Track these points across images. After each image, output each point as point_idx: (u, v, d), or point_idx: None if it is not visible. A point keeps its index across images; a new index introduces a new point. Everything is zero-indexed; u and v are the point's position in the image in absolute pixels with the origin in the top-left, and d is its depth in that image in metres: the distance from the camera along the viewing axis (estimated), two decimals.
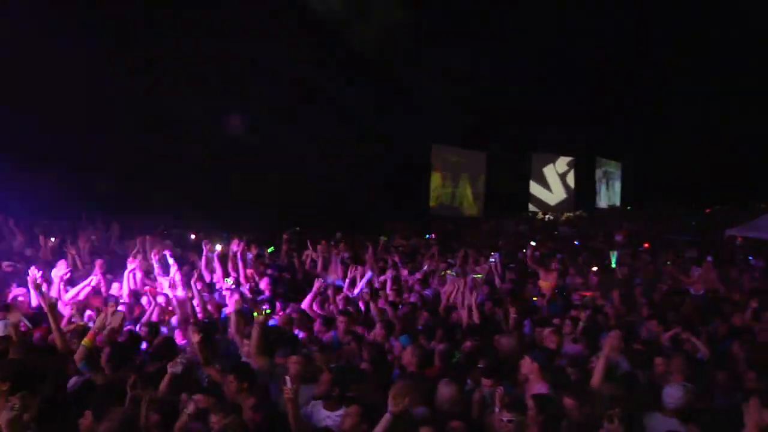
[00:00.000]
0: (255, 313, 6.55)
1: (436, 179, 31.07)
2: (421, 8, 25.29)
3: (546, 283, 10.62)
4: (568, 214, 38.14)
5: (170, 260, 9.04)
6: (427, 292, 10.59)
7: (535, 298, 10.00)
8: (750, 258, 19.76)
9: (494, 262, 11.65)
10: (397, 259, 12.63)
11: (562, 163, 38.87)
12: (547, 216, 36.52)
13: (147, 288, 8.93)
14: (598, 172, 42.57)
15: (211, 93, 20.08)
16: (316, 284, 8.72)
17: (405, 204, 26.92)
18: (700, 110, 40.16)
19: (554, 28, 30.20)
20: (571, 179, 39.50)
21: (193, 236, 16.27)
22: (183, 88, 18.92)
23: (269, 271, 11.06)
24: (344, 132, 24.05)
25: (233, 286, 9.28)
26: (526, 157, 36.54)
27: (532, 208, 36.90)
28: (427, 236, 22.00)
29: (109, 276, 9.40)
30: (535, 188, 37.35)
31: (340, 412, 5.03)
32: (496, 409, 4.86)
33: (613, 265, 14.23)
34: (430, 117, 27.30)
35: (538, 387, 5.50)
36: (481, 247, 16.88)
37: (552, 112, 32.26)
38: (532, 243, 16.71)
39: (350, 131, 24.26)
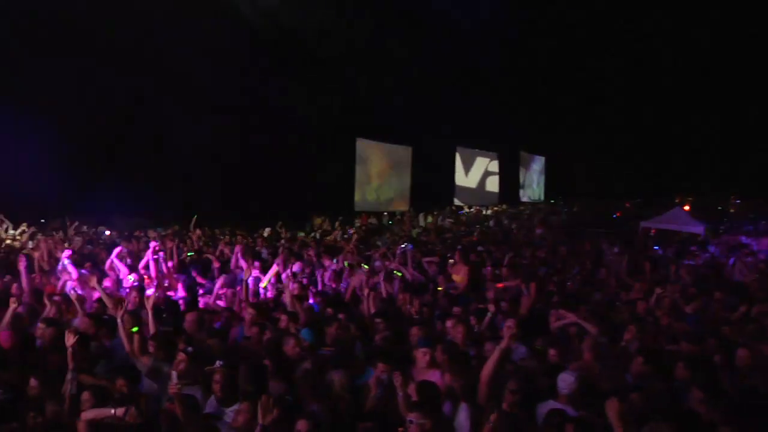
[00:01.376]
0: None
1: (361, 173, 31.00)
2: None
3: (458, 276, 10.68)
4: (493, 207, 38.74)
5: (66, 261, 8.82)
6: (343, 285, 10.55)
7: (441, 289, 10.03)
8: (656, 247, 20.39)
9: (402, 252, 11.71)
10: (311, 253, 12.54)
11: (487, 157, 39.42)
12: (471, 210, 36.97)
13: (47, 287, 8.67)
14: (523, 167, 43.41)
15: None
16: (219, 281, 8.58)
17: (330, 198, 26.76)
18: (621, 109, 41.47)
19: (480, 23, 30.53)
20: (495, 174, 40.12)
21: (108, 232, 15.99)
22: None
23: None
24: (266, 124, 23.72)
25: (135, 284, 9.07)
26: (452, 151, 36.81)
27: (457, 202, 37.22)
28: (349, 232, 22.02)
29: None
30: (460, 182, 37.71)
31: (235, 407, 4.99)
32: (399, 394, 4.93)
33: None
34: (355, 111, 27.26)
35: (429, 375, 5.53)
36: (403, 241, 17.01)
37: (477, 107, 32.63)
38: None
39: (273, 122, 23.93)
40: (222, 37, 21.00)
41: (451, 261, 12.05)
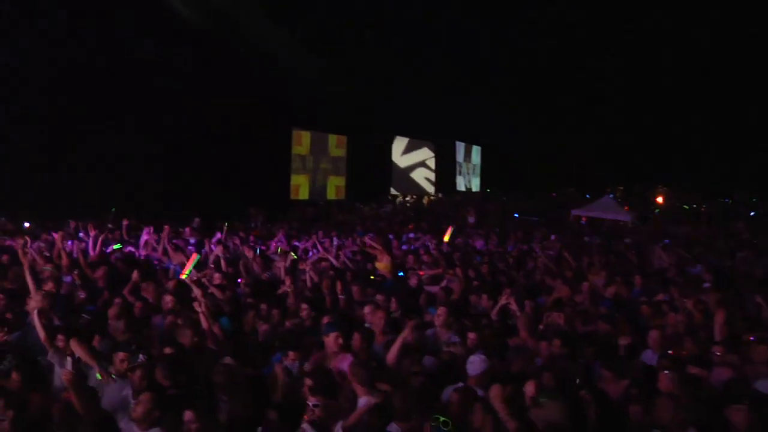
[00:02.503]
0: None
1: (297, 163, 30.77)
2: None
3: (382, 263, 10.75)
4: (429, 196, 39.03)
5: None
6: (267, 274, 10.48)
7: (372, 278, 10.08)
8: (586, 238, 20.91)
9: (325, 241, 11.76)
10: (237, 242, 12.43)
11: (424, 147, 39.61)
12: (407, 199, 37.17)
13: None
14: (459, 157, 43.78)
15: None
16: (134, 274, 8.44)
17: (265, 189, 26.49)
18: (554, 101, 42.21)
19: (417, 13, 30.62)
20: (431, 163, 40.36)
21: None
22: None
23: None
24: (199, 114, 23.28)
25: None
26: (389, 140, 36.85)
27: (394, 191, 37.32)
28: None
29: None
30: (397, 171, 37.81)
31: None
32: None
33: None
34: (290, 100, 26.99)
35: (339, 360, 5.58)
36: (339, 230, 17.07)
37: (414, 96, 32.72)
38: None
39: (206, 113, 23.48)
40: (150, 31, 20.57)
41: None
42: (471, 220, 24.19)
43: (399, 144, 37.73)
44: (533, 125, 42.74)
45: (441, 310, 6.99)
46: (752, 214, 34.09)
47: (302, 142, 30.95)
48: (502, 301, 7.83)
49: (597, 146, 45.48)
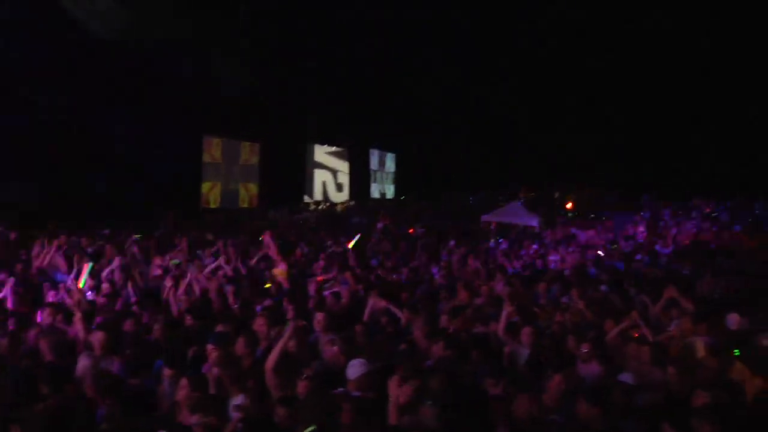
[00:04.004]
0: None
1: (207, 170, 30.19)
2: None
3: (278, 270, 10.65)
4: (342, 203, 38.98)
5: None
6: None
7: (267, 285, 9.98)
8: (491, 243, 21.31)
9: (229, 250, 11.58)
10: (135, 251, 12.07)
11: (338, 154, 39.58)
12: (321, 206, 37.02)
13: None
14: (373, 163, 43.92)
15: None
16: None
17: (175, 196, 25.92)
18: (467, 106, 42.91)
19: (329, 20, 30.60)
20: (345, 170, 40.35)
21: None
22: None
23: None
24: (106, 119, 22.62)
25: None
26: (302, 147, 36.60)
27: (308, 199, 37.10)
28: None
29: None
30: (310, 178, 37.60)
31: None
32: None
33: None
34: (200, 106, 26.50)
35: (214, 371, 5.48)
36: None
37: (326, 102, 32.65)
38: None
39: (114, 118, 22.84)
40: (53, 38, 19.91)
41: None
42: (380, 225, 24.30)
43: (312, 151, 37.53)
44: (447, 131, 43.30)
45: (320, 315, 7.02)
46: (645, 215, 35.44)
47: (213, 148, 30.38)
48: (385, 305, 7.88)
49: (511, 152, 46.48)
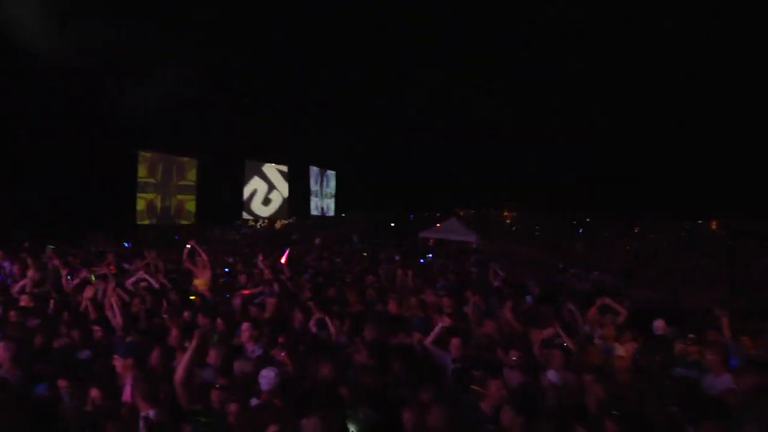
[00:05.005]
0: None
1: (144, 186, 29.52)
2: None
3: (200, 280, 10.46)
4: (282, 221, 38.68)
5: None
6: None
7: (192, 297, 9.77)
8: (424, 258, 21.51)
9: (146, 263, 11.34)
10: (57, 262, 11.70)
11: (277, 171, 39.23)
12: (259, 223, 36.67)
13: None
14: (312, 181, 43.73)
15: None
16: None
17: (109, 213, 25.34)
18: (405, 125, 43.35)
19: (269, 37, 30.53)
20: (284, 188, 40.01)
21: None
22: None
23: None
24: (38, 134, 22.02)
25: None
26: (241, 163, 36.17)
27: (246, 215, 36.64)
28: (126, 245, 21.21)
29: None
30: (249, 195, 37.13)
31: None
32: None
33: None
34: (137, 122, 25.98)
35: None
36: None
37: (266, 119, 32.42)
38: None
39: (46, 132, 22.24)
40: None
41: None
42: (317, 242, 24.25)
43: (252, 167, 37.12)
44: (387, 150, 43.62)
45: (245, 326, 6.94)
46: (580, 230, 36.38)
47: (150, 164, 29.76)
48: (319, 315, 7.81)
49: (448, 172, 47.08)
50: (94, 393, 4.97)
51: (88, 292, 8.51)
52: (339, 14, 33.21)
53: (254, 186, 37.39)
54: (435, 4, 36.35)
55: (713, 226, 47.87)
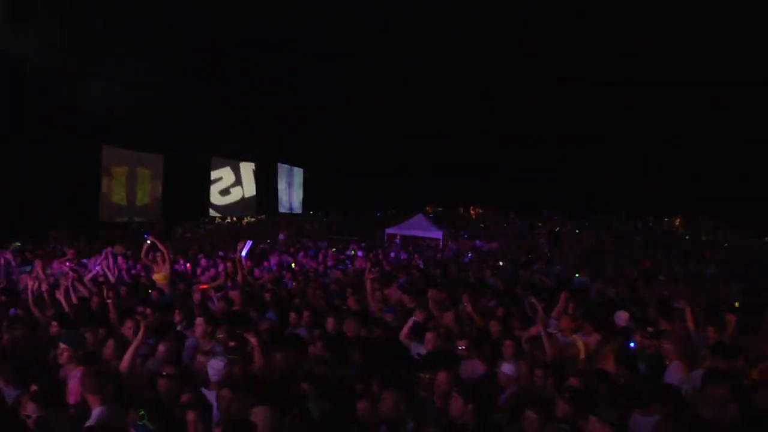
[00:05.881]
0: None
1: (109, 182, 29.04)
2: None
3: (159, 275, 10.37)
4: (248, 218, 38.43)
5: None
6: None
7: (150, 291, 9.70)
8: (392, 254, 21.59)
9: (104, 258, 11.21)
10: (9, 257, 11.53)
11: (245, 167, 38.89)
12: (227, 220, 36.40)
13: None
14: (281, 178, 43.48)
15: None
16: None
17: (72, 209, 24.93)
18: (375, 123, 43.41)
19: (237, 34, 30.33)
20: (252, 185, 39.67)
21: None
22: None
23: None
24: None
25: None
26: (207, 161, 35.77)
27: (213, 212, 36.29)
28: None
29: None
30: (215, 192, 36.72)
31: None
32: None
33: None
34: (99, 118, 25.56)
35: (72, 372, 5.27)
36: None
37: (233, 115, 32.15)
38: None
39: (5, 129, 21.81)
40: None
41: None
42: (281, 237, 24.20)
43: (218, 164, 36.73)
44: (355, 146, 43.56)
45: (199, 320, 6.88)
46: (557, 229, 36.81)
47: (115, 159, 29.31)
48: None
49: (418, 168, 47.26)
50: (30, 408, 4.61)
51: (30, 284, 8.40)
52: (307, 12, 33.13)
53: (221, 174, 36.85)
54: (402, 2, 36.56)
55: (677, 223, 48.63)
